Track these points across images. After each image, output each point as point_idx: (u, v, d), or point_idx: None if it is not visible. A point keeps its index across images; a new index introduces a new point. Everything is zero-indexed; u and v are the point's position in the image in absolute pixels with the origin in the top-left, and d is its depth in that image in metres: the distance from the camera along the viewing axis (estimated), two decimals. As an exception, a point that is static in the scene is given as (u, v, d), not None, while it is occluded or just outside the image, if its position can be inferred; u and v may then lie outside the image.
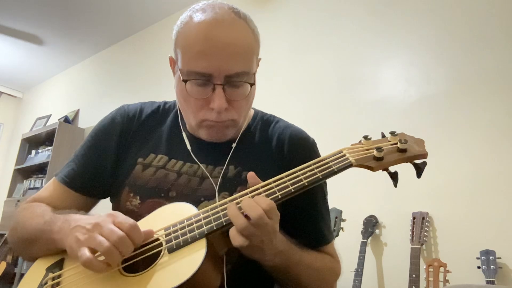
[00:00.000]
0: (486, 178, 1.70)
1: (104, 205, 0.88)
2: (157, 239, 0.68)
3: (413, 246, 1.68)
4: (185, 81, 0.75)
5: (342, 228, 1.85)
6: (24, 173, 4.20)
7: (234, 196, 0.69)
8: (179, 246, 0.65)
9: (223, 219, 0.65)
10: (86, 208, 0.87)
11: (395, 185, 0.71)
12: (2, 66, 4.65)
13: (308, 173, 0.68)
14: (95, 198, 0.89)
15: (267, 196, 0.66)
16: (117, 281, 0.65)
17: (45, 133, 4.07)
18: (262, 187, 0.68)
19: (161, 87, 3.27)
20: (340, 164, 0.68)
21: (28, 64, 4.60)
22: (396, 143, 0.71)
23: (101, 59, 4.27)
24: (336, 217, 1.86)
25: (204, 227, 0.65)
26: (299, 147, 0.86)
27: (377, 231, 1.91)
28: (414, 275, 1.57)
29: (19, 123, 5.20)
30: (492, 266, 1.50)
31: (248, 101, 0.81)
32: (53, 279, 0.69)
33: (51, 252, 0.74)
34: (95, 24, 3.78)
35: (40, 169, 4.05)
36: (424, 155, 0.71)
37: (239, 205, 0.64)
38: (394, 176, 0.71)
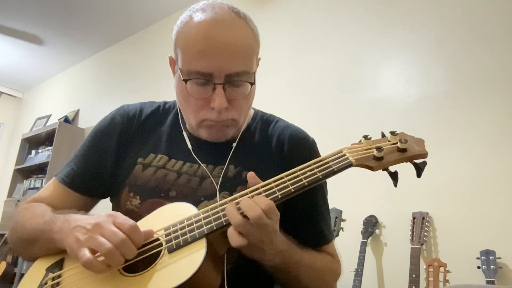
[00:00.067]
0: (486, 178, 1.70)
1: (104, 205, 0.88)
2: (157, 239, 0.68)
3: (413, 246, 1.68)
4: (185, 80, 0.75)
5: (342, 228, 1.85)
6: (24, 173, 4.20)
7: (234, 196, 0.68)
8: (179, 246, 0.65)
9: (223, 219, 0.65)
10: (86, 208, 0.87)
11: (395, 185, 0.71)
12: (2, 66, 4.65)
13: (308, 173, 0.68)
14: (95, 198, 0.89)
15: (267, 196, 0.66)
16: (117, 281, 0.64)
17: (45, 133, 4.06)
18: (262, 187, 0.68)
19: (161, 87, 3.27)
20: (340, 164, 0.68)
21: (28, 64, 4.60)
22: (396, 143, 0.71)
23: (101, 59, 4.27)
24: (336, 217, 1.86)
25: (204, 227, 0.65)
26: (299, 147, 0.86)
27: (377, 231, 1.91)
28: (414, 275, 1.57)
29: (19, 123, 5.20)
30: (492, 266, 1.50)
31: (248, 101, 0.81)
32: (53, 279, 0.69)
33: (51, 252, 0.74)
34: (95, 24, 3.78)
35: (40, 169, 4.05)
36: (424, 155, 0.71)
37: (239, 205, 0.64)
38: (394, 176, 0.71)
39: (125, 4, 3.45)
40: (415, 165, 0.71)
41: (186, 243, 0.65)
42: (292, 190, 0.67)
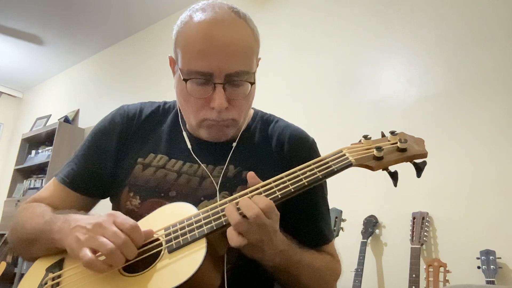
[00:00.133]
0: (486, 178, 1.70)
1: (104, 205, 0.88)
2: (157, 239, 0.68)
3: (413, 246, 1.68)
4: (185, 80, 0.75)
5: (342, 228, 1.85)
6: (24, 173, 4.20)
7: (234, 196, 0.68)
8: (179, 246, 0.65)
9: (222, 219, 0.65)
10: (86, 208, 0.87)
11: (395, 185, 0.71)
12: (2, 66, 4.65)
13: (308, 173, 0.68)
14: (95, 198, 0.89)
15: (267, 196, 0.66)
16: (117, 281, 0.65)
17: (45, 133, 4.06)
18: (262, 186, 0.68)
19: (161, 87, 3.27)
20: (340, 164, 0.68)
21: (28, 64, 4.60)
22: (396, 143, 0.71)
23: (101, 59, 4.27)
24: (336, 217, 1.86)
25: (204, 227, 0.65)
26: (299, 147, 0.86)
27: (377, 231, 1.91)
28: (414, 275, 1.57)
29: (19, 123, 5.20)
30: (492, 266, 1.50)
31: (248, 100, 0.81)
32: (53, 279, 0.69)
33: (51, 252, 0.74)
34: (95, 24, 3.78)
35: (40, 169, 4.05)
36: (424, 155, 0.71)
37: (238, 205, 0.64)
38: (394, 176, 0.71)
39: (125, 4, 3.46)
40: (415, 165, 0.71)
41: (186, 243, 0.65)
42: (292, 190, 0.67)
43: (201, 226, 0.66)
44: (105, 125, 0.89)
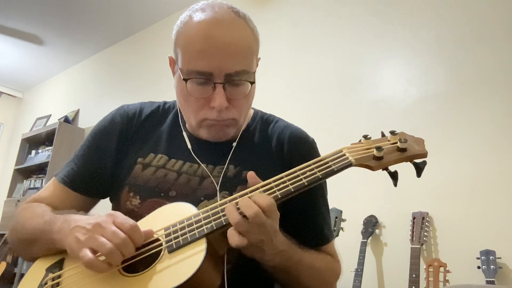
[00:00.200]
0: (486, 178, 1.70)
1: (104, 205, 0.88)
2: (157, 239, 0.68)
3: (413, 246, 1.68)
4: (185, 80, 0.75)
5: (342, 228, 1.85)
6: (24, 173, 4.20)
7: (233, 196, 0.68)
8: (179, 246, 0.65)
9: (222, 219, 0.65)
10: (86, 208, 0.87)
11: (395, 185, 0.70)
12: (2, 66, 4.65)
13: (308, 173, 0.68)
14: (95, 198, 0.89)
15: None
16: (117, 281, 0.64)
17: (45, 133, 4.06)
18: (262, 186, 0.68)
19: (161, 87, 3.27)
20: (340, 164, 0.68)
21: (28, 64, 4.60)
22: (396, 143, 0.71)
23: (101, 59, 4.27)
24: (336, 217, 1.86)
25: (204, 227, 0.65)
26: (298, 147, 0.86)
27: (377, 231, 1.91)
28: (414, 275, 1.57)
29: (19, 123, 5.20)
30: (492, 266, 1.50)
31: (248, 100, 0.81)
32: (53, 279, 0.69)
33: (51, 252, 0.74)
34: (95, 24, 3.78)
35: (40, 169, 4.05)
36: (424, 155, 0.71)
37: (238, 205, 0.64)
38: (394, 176, 0.71)
39: (125, 4, 3.45)
40: (415, 164, 0.70)
41: (186, 243, 0.65)
42: (292, 190, 0.67)
43: (201, 226, 0.66)
44: (105, 125, 0.89)
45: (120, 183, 0.84)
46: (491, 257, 1.52)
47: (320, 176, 0.68)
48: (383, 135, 0.76)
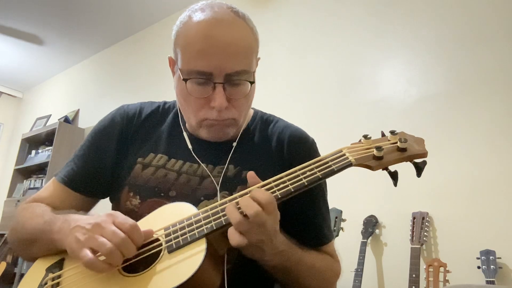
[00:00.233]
0: (486, 178, 1.70)
1: (104, 205, 0.88)
2: (157, 239, 0.68)
3: (413, 246, 1.68)
4: (185, 80, 0.75)
5: (342, 228, 1.85)
6: (24, 173, 4.20)
7: (233, 195, 0.68)
8: (178, 246, 0.65)
9: (222, 219, 0.65)
10: (86, 208, 0.87)
11: (395, 185, 0.70)
12: (2, 66, 4.65)
13: (308, 173, 0.68)
14: (94, 198, 0.89)
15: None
16: (116, 281, 0.64)
17: (45, 133, 4.06)
18: (262, 186, 0.68)
19: (161, 87, 3.27)
20: (340, 164, 0.68)
21: (28, 64, 4.60)
22: (396, 142, 0.71)
23: (101, 59, 4.27)
24: (336, 217, 1.86)
25: (204, 227, 0.65)
26: (298, 147, 0.86)
27: (377, 231, 1.91)
28: (414, 275, 1.57)
29: (19, 123, 5.20)
30: (492, 266, 1.50)
31: (248, 100, 0.81)
32: (53, 279, 0.69)
33: (51, 252, 0.74)
34: (95, 24, 3.78)
35: (40, 169, 4.05)
36: (424, 154, 0.71)
37: (238, 205, 0.64)
38: (394, 176, 0.71)
39: (125, 4, 3.45)
40: (415, 164, 0.70)
41: (186, 243, 0.65)
42: (292, 190, 0.66)
43: (201, 226, 0.66)
44: (105, 125, 0.89)
45: (120, 183, 0.84)
46: (491, 257, 1.52)
47: (320, 176, 0.68)
48: (383, 135, 0.76)
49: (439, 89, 1.94)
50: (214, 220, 0.66)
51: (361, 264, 1.76)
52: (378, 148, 0.69)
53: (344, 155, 0.70)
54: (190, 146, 0.85)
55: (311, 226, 0.84)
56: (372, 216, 1.92)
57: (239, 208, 0.63)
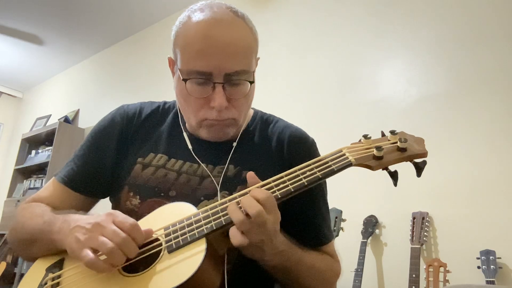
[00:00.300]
0: (486, 178, 1.70)
1: (104, 205, 0.88)
2: (157, 239, 0.68)
3: (413, 246, 1.67)
4: (185, 80, 0.75)
5: (342, 228, 1.85)
6: (24, 173, 4.20)
7: (233, 195, 0.68)
8: (178, 246, 0.65)
9: (222, 219, 0.65)
10: (85, 208, 0.87)
11: (395, 185, 0.70)
12: (2, 66, 4.65)
13: (308, 173, 0.68)
14: (94, 198, 0.89)
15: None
16: (117, 281, 0.64)
17: (45, 133, 4.06)
18: (262, 186, 0.68)
19: (161, 87, 3.27)
20: (340, 164, 0.68)
21: (28, 64, 4.60)
22: (396, 142, 0.71)
23: (101, 59, 4.27)
24: (336, 217, 1.86)
25: (204, 227, 0.65)
26: (298, 147, 0.86)
27: (377, 231, 1.91)
28: (414, 275, 1.57)
29: (19, 123, 5.20)
30: (492, 266, 1.50)
31: (248, 100, 0.81)
32: (53, 279, 0.68)
33: (51, 252, 0.74)
34: (95, 24, 3.78)
35: (40, 169, 4.05)
36: (424, 154, 0.71)
37: (239, 205, 0.64)
38: (394, 175, 0.71)
39: (125, 4, 3.45)
40: (415, 164, 0.70)
41: (186, 243, 0.65)
42: (292, 190, 0.66)
43: (200, 226, 0.66)
44: (105, 125, 0.89)
45: (120, 183, 0.84)
46: (491, 257, 1.52)
47: (320, 176, 0.68)
48: (383, 134, 0.76)
49: (439, 89, 1.94)
50: (214, 220, 0.66)
51: (361, 264, 1.76)
52: (378, 148, 0.69)
53: (344, 155, 0.70)
54: (190, 146, 0.85)
55: (311, 226, 0.84)
56: (372, 216, 1.92)
57: (240, 208, 0.63)
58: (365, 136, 0.73)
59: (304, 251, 0.76)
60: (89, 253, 0.61)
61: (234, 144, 0.85)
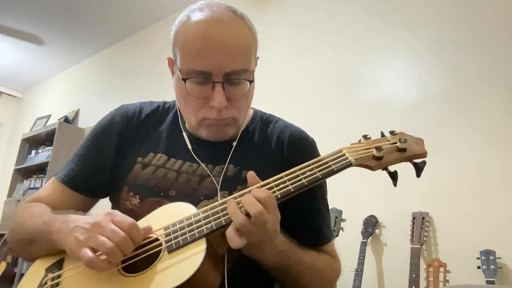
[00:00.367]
0: (486, 178, 1.70)
1: (104, 205, 0.88)
2: (157, 239, 0.68)
3: (413, 246, 1.67)
4: (184, 80, 0.75)
5: (342, 228, 1.85)
6: (24, 173, 4.20)
7: (233, 195, 0.68)
8: (178, 246, 0.65)
9: (222, 219, 0.65)
10: (85, 208, 0.87)
11: (395, 185, 0.70)
12: (2, 66, 4.66)
13: (308, 173, 0.68)
14: (94, 198, 0.89)
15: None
16: (116, 281, 0.64)
17: (45, 133, 4.07)
18: (262, 186, 0.68)
19: (161, 87, 3.27)
20: (340, 164, 0.68)
21: (28, 64, 4.60)
22: (396, 142, 0.71)
23: (101, 59, 4.27)
24: (336, 217, 1.86)
25: (204, 227, 0.65)
26: (298, 147, 0.86)
27: (377, 231, 1.91)
28: (414, 275, 1.57)
29: (19, 123, 5.20)
30: (492, 266, 1.50)
31: (247, 99, 0.81)
32: (53, 279, 0.68)
33: (50, 253, 0.74)
34: (95, 24, 3.78)
35: (40, 169, 4.05)
36: (424, 154, 0.71)
37: (240, 204, 0.64)
38: (393, 176, 0.71)
39: (125, 4, 3.46)
40: (415, 164, 0.70)
41: (186, 243, 0.65)
42: (292, 190, 0.66)
43: (200, 226, 0.66)
44: (105, 124, 0.89)
45: (120, 182, 0.84)
46: (491, 257, 1.52)
47: (320, 176, 0.68)
48: (382, 135, 0.76)
49: (439, 89, 1.94)
50: (214, 220, 0.66)
51: (361, 264, 1.76)
52: (378, 148, 0.69)
53: (344, 155, 0.70)
54: (189, 146, 0.85)
55: (311, 226, 0.84)
56: (372, 216, 1.92)
57: (240, 207, 0.63)
58: (365, 137, 0.73)
59: (304, 251, 0.76)
60: (88, 253, 0.61)
61: (234, 143, 0.85)
